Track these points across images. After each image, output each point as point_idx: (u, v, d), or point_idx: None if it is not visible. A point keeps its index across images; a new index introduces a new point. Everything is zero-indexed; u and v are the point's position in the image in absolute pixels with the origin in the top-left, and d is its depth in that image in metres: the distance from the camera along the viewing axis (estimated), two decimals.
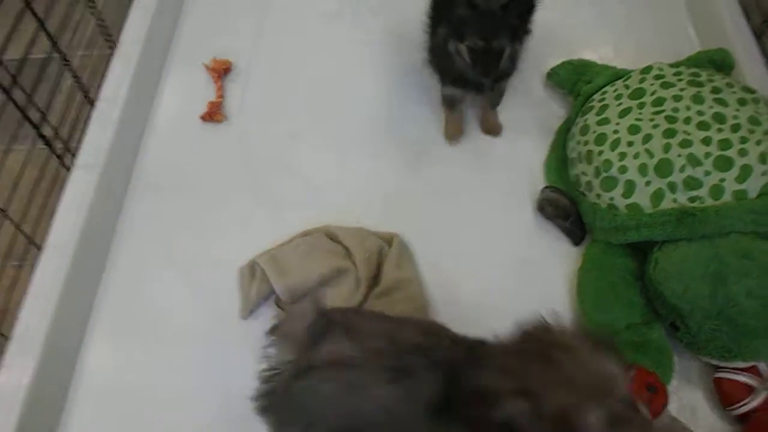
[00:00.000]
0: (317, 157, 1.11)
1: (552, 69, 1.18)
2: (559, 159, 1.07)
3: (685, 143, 0.91)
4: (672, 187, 0.90)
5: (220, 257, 1.00)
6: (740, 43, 1.14)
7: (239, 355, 0.87)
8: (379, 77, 1.21)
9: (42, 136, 0.96)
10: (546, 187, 1.03)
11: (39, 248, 0.94)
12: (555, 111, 1.15)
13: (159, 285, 0.98)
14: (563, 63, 1.18)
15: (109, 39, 1.18)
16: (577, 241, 1.00)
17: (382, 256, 0.95)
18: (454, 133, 1.12)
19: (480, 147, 1.12)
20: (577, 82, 1.14)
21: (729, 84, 0.98)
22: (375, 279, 0.94)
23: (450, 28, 0.95)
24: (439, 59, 1.03)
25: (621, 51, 1.23)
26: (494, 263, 0.99)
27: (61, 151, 1.01)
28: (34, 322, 0.87)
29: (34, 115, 0.97)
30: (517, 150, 1.11)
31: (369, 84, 1.21)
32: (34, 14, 0.98)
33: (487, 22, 0.91)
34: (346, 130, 1.14)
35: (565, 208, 1.00)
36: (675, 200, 0.90)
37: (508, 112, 1.15)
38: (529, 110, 1.16)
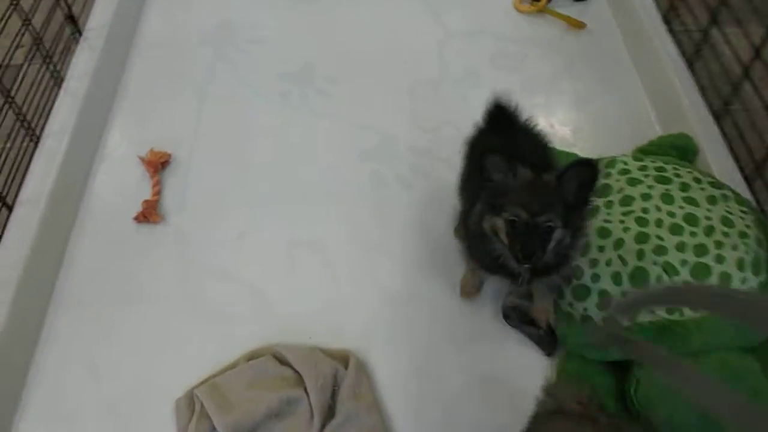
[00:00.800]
0: (265, 261, 1.01)
1: None
2: None
3: (660, 250, 0.85)
4: None
5: (154, 385, 0.88)
6: (701, 126, 1.11)
7: None
8: (332, 161, 1.14)
9: None
10: (510, 293, 0.95)
11: None
12: None
13: (81, 421, 0.86)
14: None
15: (31, 130, 1.07)
16: (549, 350, 0.92)
17: (338, 381, 0.85)
18: (470, 291, 0.96)
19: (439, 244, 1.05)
20: None
21: (696, 179, 0.94)
22: (330, 409, 0.83)
23: (486, 200, 0.77)
24: (472, 240, 0.84)
25: (581, 134, 1.19)
26: (459, 380, 0.90)
27: None
28: None
29: None
30: None
31: (322, 170, 1.13)
32: None
33: (534, 192, 0.73)
34: (297, 228, 1.05)
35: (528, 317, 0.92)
36: (652, 312, 0.83)
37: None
38: None
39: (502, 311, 0.94)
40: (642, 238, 0.86)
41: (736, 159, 1.06)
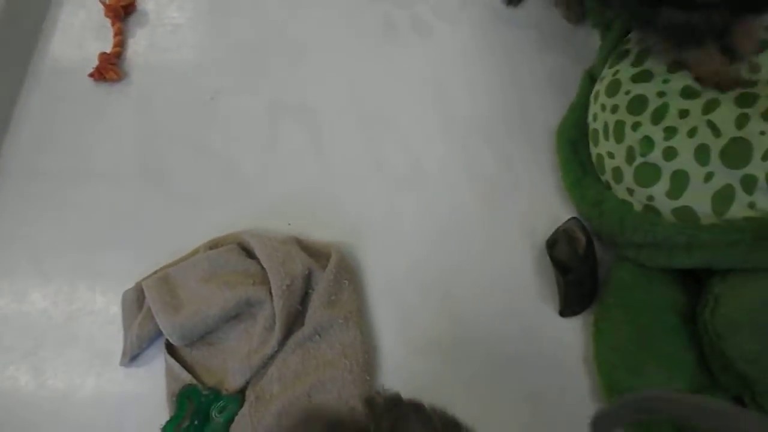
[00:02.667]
0: (242, 129, 0.81)
1: None
2: (578, 126, 0.73)
3: None
4: (748, 183, 0.57)
5: (102, 274, 0.74)
6: None
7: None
8: (337, 12, 0.89)
9: None
10: (573, 218, 0.68)
11: None
12: (579, 54, 0.81)
13: (26, 311, 0.73)
14: None
15: None
16: (565, 311, 0.67)
17: (311, 284, 0.67)
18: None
19: (461, 108, 0.80)
20: (606, 8, 0.79)
21: None
22: (299, 316, 0.66)
23: None
24: None
25: None
26: (462, 290, 0.69)
27: None
28: None
29: None
30: (518, 116, 0.78)
31: (317, 14, 0.88)
32: None
33: None
34: (282, 89, 0.83)
35: (572, 256, 0.66)
36: (753, 205, 0.57)
37: (501, 58, 0.82)
38: (537, 54, 0.82)
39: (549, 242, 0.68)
40: (745, 99, 0.59)
41: None
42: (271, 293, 0.66)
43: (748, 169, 0.57)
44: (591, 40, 0.81)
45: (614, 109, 0.67)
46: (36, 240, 0.77)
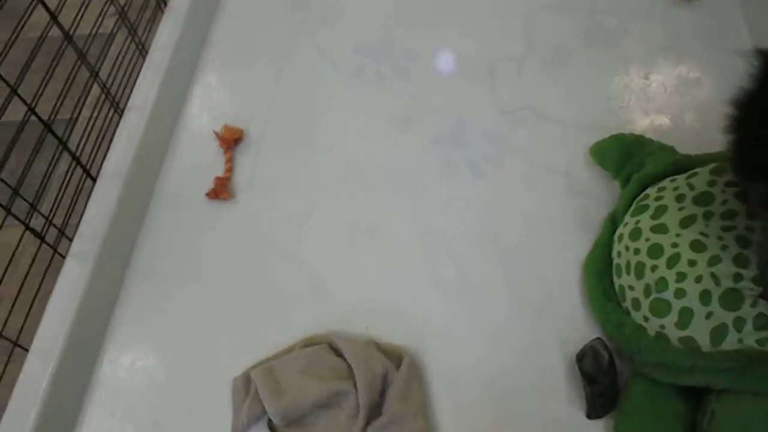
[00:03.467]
0: (327, 245, 1.00)
1: (596, 144, 1.03)
2: (601, 262, 0.92)
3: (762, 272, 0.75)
4: (739, 324, 0.74)
5: (213, 362, 0.91)
6: None
7: None
8: (403, 144, 1.09)
9: (31, 230, 0.90)
10: (598, 338, 0.85)
11: (26, 350, 0.88)
12: (601, 198, 1.00)
13: (149, 388, 0.90)
14: (612, 137, 1.03)
15: (115, 102, 1.11)
16: (591, 415, 0.82)
17: (387, 382, 0.83)
18: None
19: (510, 246, 0.99)
20: (625, 165, 0.98)
21: None
22: (377, 407, 0.82)
23: None
24: None
25: (681, 124, 1.07)
26: (514, 387, 0.85)
27: (56, 240, 0.95)
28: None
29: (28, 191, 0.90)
30: (551, 251, 0.97)
31: (390, 153, 1.09)
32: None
33: None
34: (360, 213, 1.03)
35: (597, 370, 0.82)
36: (741, 341, 0.74)
37: (536, 197, 1.01)
38: (567, 196, 1.01)
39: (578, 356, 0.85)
40: (741, 260, 0.76)
41: None
42: (355, 387, 0.83)
43: (740, 313, 0.74)
44: (610, 188, 1.00)
45: (636, 251, 0.85)
46: (158, 332, 0.95)
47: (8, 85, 0.87)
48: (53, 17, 0.96)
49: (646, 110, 1.09)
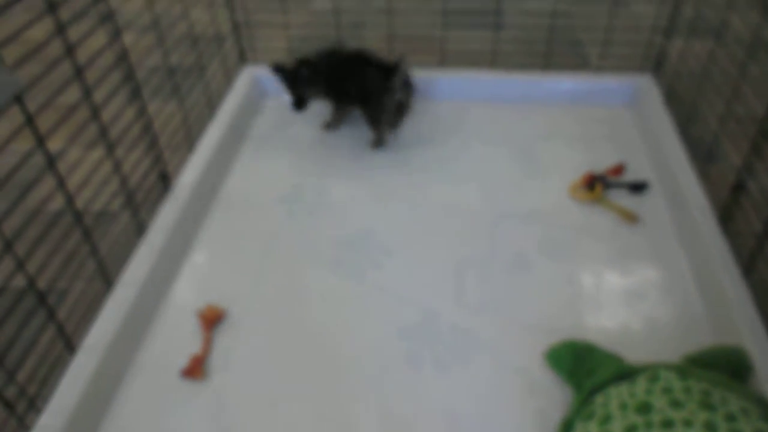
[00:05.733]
0: (293, 426, 1.03)
1: (551, 350, 1.12)
2: None
3: None
4: None
5: None
6: (756, 342, 1.06)
7: None
8: (370, 337, 1.17)
9: (4, 400, 0.92)
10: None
11: None
12: (555, 400, 1.06)
13: None
14: (563, 344, 1.12)
15: (108, 278, 1.19)
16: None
17: None
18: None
19: None
20: (576, 371, 1.06)
21: (744, 410, 0.89)
22: None
23: None
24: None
25: (629, 333, 1.17)
26: None
27: (22, 413, 0.96)
28: None
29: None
30: None
31: (359, 346, 1.16)
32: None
33: None
34: (327, 403, 1.07)
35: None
36: None
37: (502, 398, 1.07)
38: (525, 396, 1.07)
39: None
40: None
41: None
42: None
43: None
44: (565, 390, 1.07)
45: None
46: None
47: (18, 260, 0.95)
48: (70, 201, 1.07)
49: (597, 317, 1.20)
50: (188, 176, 1.45)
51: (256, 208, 1.47)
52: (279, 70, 1.58)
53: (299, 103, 1.58)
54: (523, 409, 1.06)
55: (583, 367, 1.06)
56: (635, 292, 1.25)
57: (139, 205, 1.32)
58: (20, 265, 0.95)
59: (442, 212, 1.44)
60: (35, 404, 0.99)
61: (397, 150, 1.63)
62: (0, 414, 0.95)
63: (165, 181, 1.41)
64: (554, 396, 1.07)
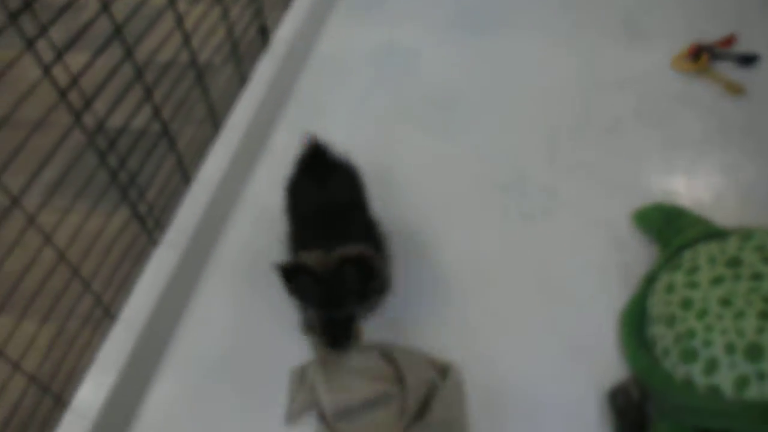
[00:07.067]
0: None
1: (640, 210, 1.13)
2: (637, 312, 1.00)
3: None
4: (761, 375, 0.81)
5: (277, 353, 1.01)
6: None
7: None
8: (464, 194, 1.21)
9: (137, 215, 1.03)
10: (630, 378, 0.93)
11: (113, 318, 1.00)
12: (640, 256, 1.09)
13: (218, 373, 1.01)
14: (653, 206, 1.13)
15: (216, 121, 1.27)
16: None
17: (432, 390, 0.92)
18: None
19: (557, 288, 1.08)
20: (665, 230, 1.08)
21: None
22: (422, 411, 0.91)
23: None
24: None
25: (723, 202, 1.16)
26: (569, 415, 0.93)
27: (152, 227, 1.08)
28: (91, 394, 0.91)
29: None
30: (593, 297, 1.06)
31: (451, 199, 1.21)
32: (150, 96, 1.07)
33: (327, 287, 0.86)
34: (418, 242, 1.14)
35: (627, 405, 0.90)
36: (763, 392, 0.81)
37: (589, 250, 1.11)
38: (612, 251, 1.11)
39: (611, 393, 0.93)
40: (766, 316, 0.84)
41: None
42: (402, 390, 0.91)
43: (762, 366, 0.82)
44: (650, 250, 1.09)
45: (668, 303, 0.93)
46: (232, 325, 1.06)
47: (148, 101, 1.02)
48: (188, 51, 1.12)
49: (689, 186, 1.19)
50: (285, 31, 1.48)
51: (348, 66, 1.50)
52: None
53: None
54: (607, 261, 1.10)
55: (672, 227, 1.08)
56: (732, 164, 1.22)
57: (242, 56, 1.37)
58: (151, 104, 1.02)
59: (537, 77, 1.42)
60: (161, 222, 1.11)
61: (487, 14, 1.59)
62: (133, 230, 1.08)
63: (264, 35, 1.44)
64: (639, 252, 1.10)
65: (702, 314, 0.89)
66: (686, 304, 0.91)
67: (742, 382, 0.82)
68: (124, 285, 1.06)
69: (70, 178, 1.13)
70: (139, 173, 1.05)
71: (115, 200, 1.08)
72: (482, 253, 1.12)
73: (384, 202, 1.20)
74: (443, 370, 0.95)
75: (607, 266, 1.09)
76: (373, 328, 1.02)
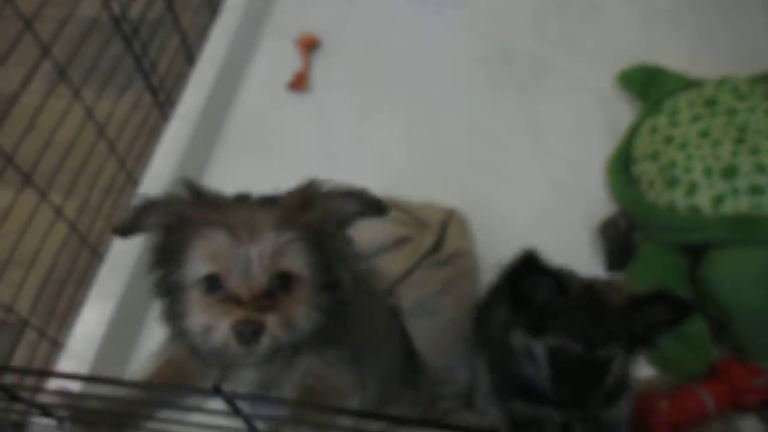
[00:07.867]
0: (389, 134, 1.18)
1: (623, 71, 1.21)
2: (623, 158, 1.09)
3: (754, 151, 0.93)
4: (735, 191, 0.92)
5: None
6: None
7: None
8: (455, 65, 1.28)
9: (151, 87, 1.07)
10: (619, 211, 1.02)
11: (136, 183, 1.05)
12: (623, 114, 1.18)
13: None
14: (636, 67, 1.21)
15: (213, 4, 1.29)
16: (610, 267, 0.99)
17: (443, 229, 1.01)
18: None
19: (548, 143, 1.16)
20: (646, 86, 1.17)
21: None
22: (434, 247, 1.00)
23: (520, 313, 0.63)
24: (495, 355, 0.70)
25: (696, 61, 1.24)
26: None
27: (164, 100, 1.12)
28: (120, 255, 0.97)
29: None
30: (582, 149, 1.14)
31: (443, 70, 1.27)
32: None
33: (594, 315, 0.58)
34: (416, 113, 1.21)
35: (616, 233, 0.99)
36: (737, 206, 0.92)
37: (577, 110, 1.19)
38: (597, 110, 1.19)
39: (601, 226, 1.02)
40: (739, 141, 0.94)
41: None
42: (427, 227, 1.00)
43: (735, 183, 0.92)
44: (634, 107, 1.18)
45: (652, 142, 1.03)
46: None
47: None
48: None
49: (669, 48, 1.27)
50: None
51: None
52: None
53: None
54: (595, 121, 1.18)
55: (653, 82, 1.16)
56: (705, 29, 1.30)
57: None
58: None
59: None
60: (171, 98, 1.15)
61: None
62: (145, 105, 1.12)
63: None
64: (625, 111, 1.19)
65: (682, 146, 0.98)
66: (668, 140, 1.01)
67: (718, 200, 0.93)
68: (142, 156, 1.11)
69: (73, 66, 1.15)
70: (147, 50, 1.08)
71: (122, 83, 1.11)
72: (477, 116, 1.19)
73: (377, 75, 1.26)
74: (448, 213, 1.04)
75: (594, 123, 1.18)
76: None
